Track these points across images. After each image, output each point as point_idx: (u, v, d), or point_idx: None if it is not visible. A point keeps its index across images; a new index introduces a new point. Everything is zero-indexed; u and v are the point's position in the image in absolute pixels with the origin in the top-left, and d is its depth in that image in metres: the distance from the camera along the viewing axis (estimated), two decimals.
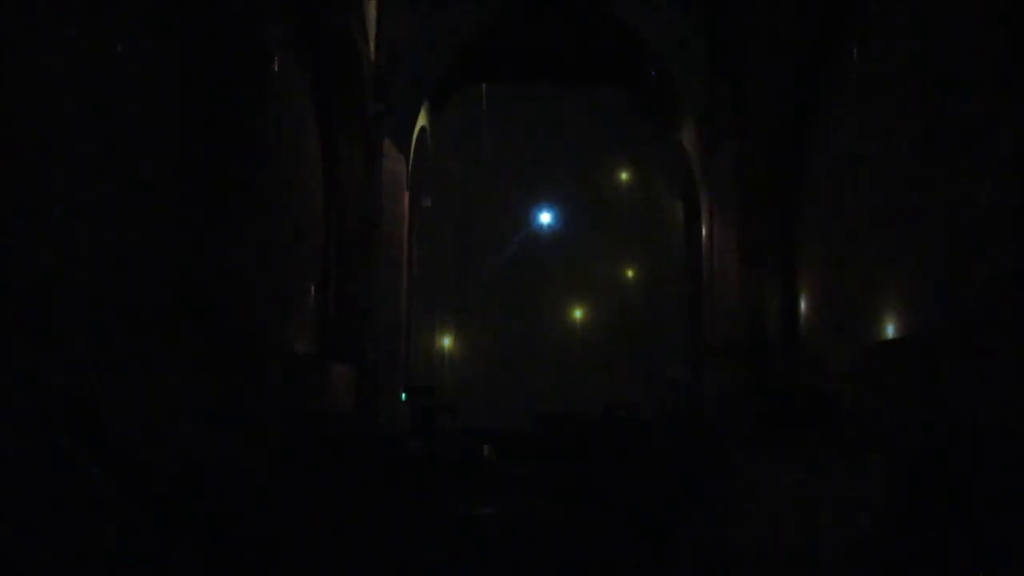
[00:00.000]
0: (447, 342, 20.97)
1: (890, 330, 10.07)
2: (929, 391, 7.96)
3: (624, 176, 21.78)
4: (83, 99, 6.12)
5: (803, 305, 13.46)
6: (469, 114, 21.29)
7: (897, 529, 4.49)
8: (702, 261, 16.28)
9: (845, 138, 11.90)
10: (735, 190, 14.38)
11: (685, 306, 19.80)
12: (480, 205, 21.73)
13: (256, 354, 9.10)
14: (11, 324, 4.90)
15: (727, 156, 14.39)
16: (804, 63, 12.79)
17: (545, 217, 21.69)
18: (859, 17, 11.48)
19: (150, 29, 7.23)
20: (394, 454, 10.54)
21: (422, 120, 17.62)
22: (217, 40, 8.14)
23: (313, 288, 13.07)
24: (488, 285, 21.72)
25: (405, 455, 10.82)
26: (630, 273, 21.72)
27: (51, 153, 5.74)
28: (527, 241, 21.68)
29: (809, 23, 12.38)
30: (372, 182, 14.26)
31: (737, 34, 14.34)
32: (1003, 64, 7.27)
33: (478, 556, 6.75)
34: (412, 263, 18.99)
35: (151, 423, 6.08)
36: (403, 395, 15.52)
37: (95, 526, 4.23)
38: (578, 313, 21.67)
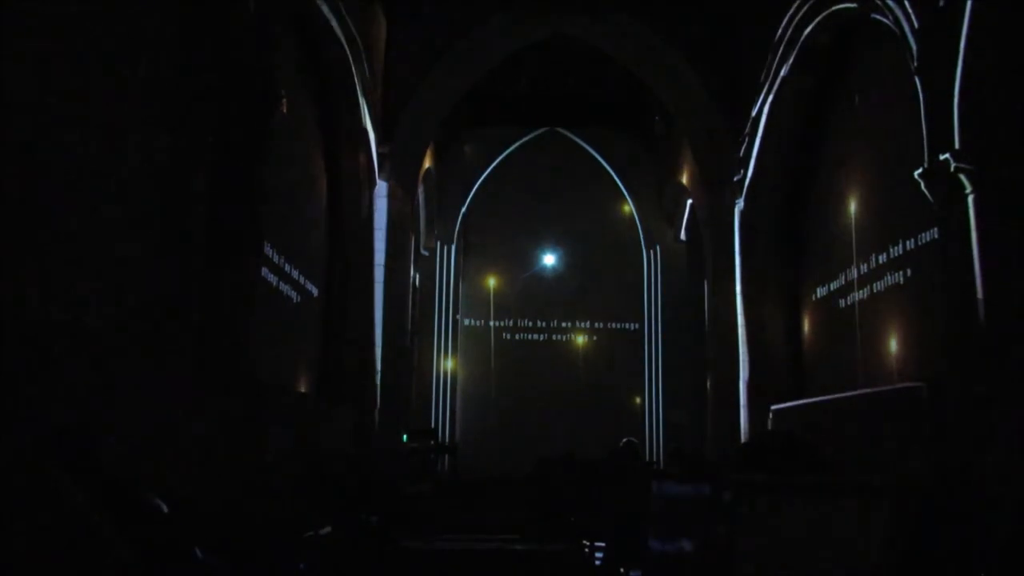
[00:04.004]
0: (450, 381, 20.86)
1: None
2: (935, 435, 7.89)
3: (628, 219, 21.85)
4: (88, 150, 6.19)
5: (806, 340, 13.39)
6: (474, 155, 21.53)
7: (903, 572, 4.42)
8: (704, 307, 16.25)
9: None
10: (738, 236, 14.38)
11: (687, 347, 19.76)
12: (484, 245, 21.82)
13: (256, 392, 9.05)
14: (5, 354, 4.89)
15: (730, 204, 14.41)
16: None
17: (549, 259, 21.74)
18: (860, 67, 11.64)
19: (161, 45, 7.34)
20: (392, 498, 10.42)
21: (428, 162, 17.79)
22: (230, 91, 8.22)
23: (314, 325, 13.05)
24: (492, 322, 21.70)
25: (404, 499, 10.70)
26: (633, 315, 21.69)
27: (57, 191, 5.79)
28: (531, 281, 21.71)
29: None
30: (375, 221, 14.36)
31: (741, 83, 14.47)
32: None
33: None
34: (415, 301, 19.00)
35: (146, 458, 6.03)
36: (404, 436, 15.36)
37: (89, 564, 4.16)
38: (580, 354, 21.59)
